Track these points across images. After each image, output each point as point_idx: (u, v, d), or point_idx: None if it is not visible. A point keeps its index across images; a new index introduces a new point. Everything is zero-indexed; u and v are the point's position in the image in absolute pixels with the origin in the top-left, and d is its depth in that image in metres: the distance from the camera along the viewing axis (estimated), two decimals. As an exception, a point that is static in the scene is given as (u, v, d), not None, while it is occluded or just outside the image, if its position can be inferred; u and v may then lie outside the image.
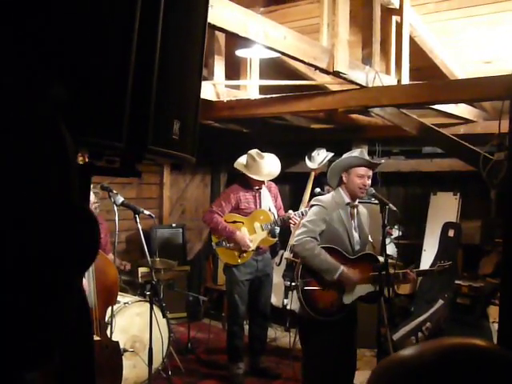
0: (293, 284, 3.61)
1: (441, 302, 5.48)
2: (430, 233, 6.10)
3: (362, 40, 4.11)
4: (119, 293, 4.19)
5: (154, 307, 3.86)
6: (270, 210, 4.95)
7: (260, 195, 4.92)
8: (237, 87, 5.02)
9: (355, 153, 3.68)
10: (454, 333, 4.99)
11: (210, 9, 1.28)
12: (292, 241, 4.65)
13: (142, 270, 5.86)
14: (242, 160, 4.87)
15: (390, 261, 3.65)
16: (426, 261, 5.96)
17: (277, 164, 4.91)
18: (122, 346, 3.95)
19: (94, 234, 0.76)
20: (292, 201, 6.63)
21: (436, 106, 4.61)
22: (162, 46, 0.99)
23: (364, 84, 3.92)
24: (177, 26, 1.07)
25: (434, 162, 6.15)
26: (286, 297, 5.21)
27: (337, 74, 3.58)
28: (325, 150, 5.86)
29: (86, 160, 1.05)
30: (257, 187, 4.88)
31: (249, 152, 4.81)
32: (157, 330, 3.90)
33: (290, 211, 4.94)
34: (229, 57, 4.62)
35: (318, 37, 3.51)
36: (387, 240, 4.56)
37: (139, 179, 6.47)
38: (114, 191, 3.95)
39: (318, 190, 5.45)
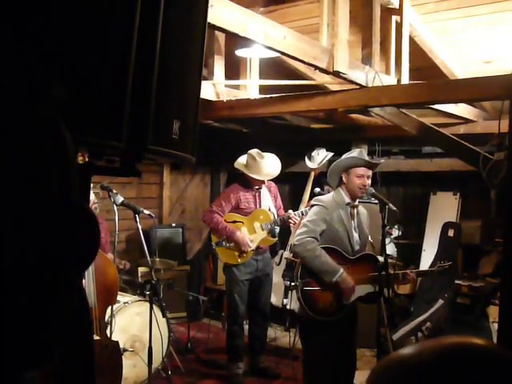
0: (292, 284, 3.61)
1: (441, 301, 5.49)
2: (429, 233, 6.10)
3: (361, 40, 4.11)
4: (119, 292, 4.19)
5: (154, 307, 3.86)
6: (269, 209, 4.95)
7: (260, 195, 4.91)
8: (237, 87, 5.02)
9: (354, 153, 3.68)
10: (454, 333, 4.98)
11: (209, 9, 1.28)
12: (292, 240, 4.65)
13: (141, 269, 5.86)
14: (242, 160, 4.87)
15: (389, 261, 3.65)
16: (426, 261, 5.96)
17: (277, 164, 4.91)
18: (121, 346, 3.94)
19: (94, 234, 0.76)
20: (292, 201, 6.63)
21: (436, 106, 4.61)
22: (161, 45, 1.00)
23: (364, 84, 3.92)
24: (177, 26, 1.07)
25: (434, 161, 6.15)
26: (285, 296, 5.21)
27: (336, 74, 3.58)
28: (324, 150, 5.85)
29: (86, 160, 1.05)
30: (257, 187, 4.88)
31: (249, 152, 4.80)
32: (156, 330, 3.90)
33: (290, 211, 4.94)
34: (229, 56, 4.62)
35: (318, 37, 3.51)
36: (387, 240, 4.56)
37: (139, 179, 6.47)
38: (114, 191, 3.95)
39: (317, 189, 5.45)
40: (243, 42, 3.53)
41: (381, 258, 3.61)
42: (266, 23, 3.01)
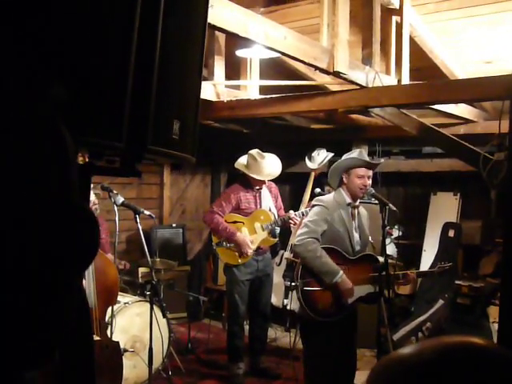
0: (293, 284, 3.61)
1: (441, 302, 5.49)
2: (430, 233, 6.10)
3: (362, 40, 4.11)
4: (119, 293, 4.19)
5: (154, 307, 3.86)
6: (270, 210, 4.95)
7: (260, 195, 4.91)
8: (237, 87, 5.02)
9: (354, 154, 3.68)
10: (455, 333, 4.98)
11: (210, 9, 1.28)
12: (292, 241, 4.66)
13: (142, 270, 5.86)
14: (243, 160, 4.87)
15: (390, 261, 3.65)
16: (426, 261, 5.96)
17: (278, 164, 4.91)
18: (122, 346, 3.94)
19: (94, 234, 0.76)
20: (292, 201, 6.64)
21: (436, 106, 4.60)
22: (161, 45, 1.00)
23: (364, 84, 3.92)
24: (177, 26, 1.07)
25: (434, 162, 6.15)
26: (286, 297, 5.21)
27: (337, 74, 3.58)
28: (325, 151, 5.85)
29: (86, 160, 1.05)
30: (257, 187, 4.88)
31: (249, 152, 4.80)
32: (157, 330, 3.90)
33: (291, 211, 4.94)
34: (229, 57, 4.62)
35: (318, 37, 3.51)
36: (387, 240, 4.56)
37: (139, 179, 6.48)
38: (115, 191, 3.95)
39: (318, 190, 5.45)
40: (243, 42, 3.53)
41: (381, 259, 3.61)
42: (267, 23, 3.01)
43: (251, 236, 4.79)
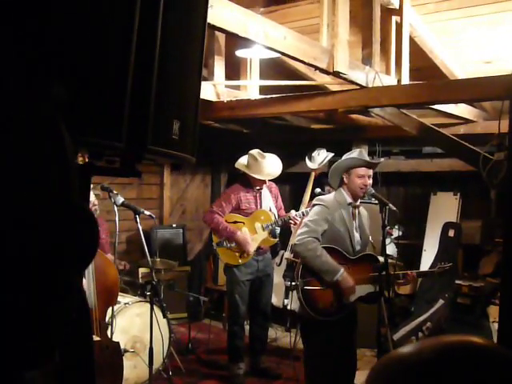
0: (293, 283, 3.61)
1: (441, 301, 5.49)
2: (430, 233, 6.10)
3: (361, 40, 4.11)
4: (119, 293, 4.19)
5: (155, 307, 3.86)
6: (270, 210, 4.95)
7: (261, 195, 4.91)
8: (237, 87, 5.02)
9: (354, 153, 3.69)
10: (455, 332, 4.98)
11: (209, 9, 1.28)
12: (293, 241, 4.66)
13: (142, 270, 5.86)
14: (243, 160, 4.87)
15: (390, 261, 3.65)
16: (427, 261, 5.96)
17: (278, 164, 4.91)
18: (122, 347, 3.94)
19: (93, 233, 0.76)
20: (292, 201, 6.64)
21: (436, 106, 4.61)
22: (161, 46, 1.00)
23: (364, 84, 3.92)
24: (176, 26, 1.07)
25: (434, 162, 6.15)
26: (286, 297, 5.21)
27: (337, 75, 3.58)
28: (325, 151, 5.85)
29: (86, 160, 1.05)
30: (258, 187, 4.88)
31: (250, 152, 4.80)
32: (157, 331, 3.90)
33: (293, 211, 4.94)
34: (229, 57, 4.62)
35: (318, 37, 3.51)
36: (387, 240, 4.56)
37: (139, 179, 6.48)
38: (115, 192, 3.95)
39: (318, 190, 5.44)
40: (243, 42, 3.53)
41: (381, 259, 3.61)
42: (266, 23, 3.01)
43: (251, 236, 4.80)
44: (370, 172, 3.64)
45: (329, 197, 3.74)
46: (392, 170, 6.32)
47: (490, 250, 5.51)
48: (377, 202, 3.69)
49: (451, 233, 5.80)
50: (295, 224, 4.83)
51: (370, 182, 3.64)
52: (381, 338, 3.70)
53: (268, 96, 4.63)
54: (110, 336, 3.89)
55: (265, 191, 4.95)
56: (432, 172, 6.17)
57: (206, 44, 1.27)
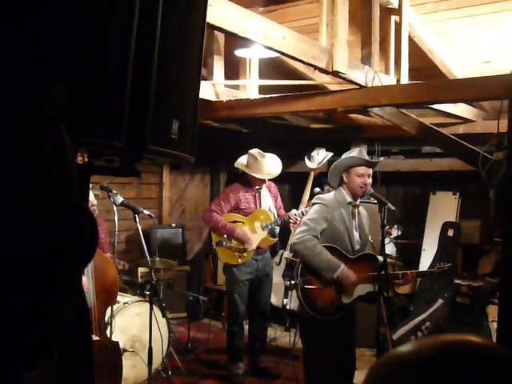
0: (292, 282, 3.61)
1: (440, 301, 5.49)
2: (429, 232, 6.10)
3: (361, 40, 4.11)
4: (119, 293, 4.19)
5: (154, 307, 3.86)
6: (269, 209, 4.95)
7: (260, 195, 4.92)
8: (236, 87, 5.02)
9: (354, 152, 3.69)
10: (454, 332, 4.98)
11: (208, 8, 1.28)
12: (292, 240, 4.66)
13: (141, 269, 5.86)
14: (243, 160, 4.88)
15: (389, 260, 3.66)
16: (426, 260, 5.96)
17: (278, 163, 4.91)
18: (121, 346, 3.94)
19: (93, 233, 0.76)
20: (292, 200, 6.63)
21: (435, 106, 4.61)
22: (160, 45, 1.00)
23: (363, 84, 3.92)
24: (176, 26, 1.08)
25: (434, 161, 6.16)
26: (285, 296, 5.22)
27: (336, 74, 3.58)
28: (324, 150, 5.86)
29: (86, 159, 1.05)
30: (257, 187, 4.88)
31: (250, 151, 4.81)
32: (156, 330, 3.90)
33: (293, 210, 4.94)
34: (228, 56, 4.62)
35: (317, 37, 3.51)
36: (386, 240, 4.57)
37: (139, 179, 6.48)
38: (114, 191, 3.95)
39: (317, 189, 5.45)
40: (243, 42, 3.53)
41: (380, 258, 3.62)
42: (266, 23, 3.01)
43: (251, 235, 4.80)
44: (370, 171, 3.65)
45: (329, 196, 3.74)
46: (391, 170, 6.32)
47: (489, 250, 5.51)
48: (376, 201, 3.70)
49: (450, 232, 5.80)
50: (295, 223, 4.83)
51: (370, 181, 3.65)
52: (380, 337, 3.70)
53: (267, 96, 4.63)
54: (109, 335, 3.89)
55: (264, 191, 4.95)
56: (431, 172, 6.17)
57: (206, 44, 1.27)
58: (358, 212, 3.73)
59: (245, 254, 4.79)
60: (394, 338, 5.19)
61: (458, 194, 5.99)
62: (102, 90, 0.92)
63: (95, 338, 3.58)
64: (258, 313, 5.00)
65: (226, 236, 4.77)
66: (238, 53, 4.34)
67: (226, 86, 4.79)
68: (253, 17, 2.93)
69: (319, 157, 5.82)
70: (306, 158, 5.99)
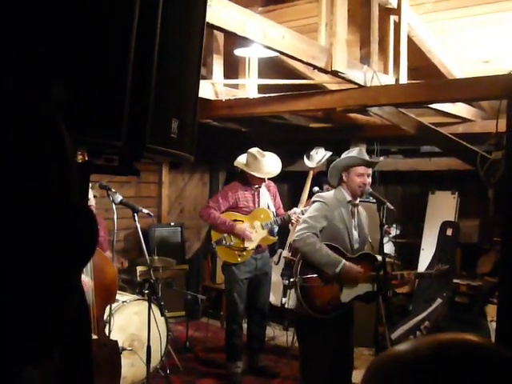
0: (291, 280, 3.61)
1: (439, 300, 5.49)
2: (428, 232, 6.11)
3: (360, 39, 4.11)
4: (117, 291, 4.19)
5: (153, 306, 3.87)
6: (268, 208, 4.96)
7: (259, 194, 4.92)
8: (235, 86, 5.02)
9: (353, 152, 3.69)
10: (452, 331, 4.99)
11: (208, 8, 1.28)
12: (291, 239, 4.66)
13: (140, 268, 5.86)
14: (242, 159, 4.88)
15: (387, 260, 3.66)
16: (424, 260, 5.97)
17: (277, 162, 4.91)
18: (120, 345, 3.94)
19: (93, 232, 0.76)
20: (291, 199, 6.64)
21: (434, 106, 4.61)
22: (160, 45, 1.00)
23: (362, 83, 3.92)
24: (175, 26, 1.08)
25: (432, 160, 6.16)
26: (284, 295, 5.20)
27: (335, 74, 3.59)
28: (323, 149, 5.84)
29: (85, 158, 1.05)
30: (256, 186, 4.89)
31: (249, 150, 4.81)
32: (155, 329, 3.91)
33: (295, 208, 4.94)
34: (227, 56, 4.62)
35: (317, 36, 3.51)
36: (385, 239, 4.57)
37: (138, 178, 6.48)
38: (113, 190, 3.95)
39: (316, 188, 5.44)
40: (242, 41, 3.53)
41: (379, 257, 3.62)
42: (265, 23, 3.01)
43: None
44: (369, 171, 3.65)
45: (329, 194, 3.74)
46: (390, 169, 6.33)
47: (488, 249, 5.52)
48: (375, 200, 3.70)
49: (449, 232, 5.80)
50: (297, 221, 4.83)
51: (369, 180, 3.65)
52: (379, 336, 3.71)
53: (266, 95, 4.63)
54: (107, 334, 3.89)
55: (263, 189, 4.95)
56: (430, 171, 6.18)
57: (205, 43, 1.27)
58: (358, 211, 3.74)
59: (244, 253, 4.79)
60: (393, 337, 5.19)
61: (456, 193, 5.99)
62: (101, 90, 0.92)
63: (94, 336, 3.58)
64: (256, 312, 5.00)
65: (225, 234, 4.78)
66: (238, 52, 4.34)
67: (225, 85, 4.79)
68: (252, 16, 2.93)
69: (318, 156, 5.81)
70: (305, 157, 5.98)
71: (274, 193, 5.09)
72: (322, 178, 5.48)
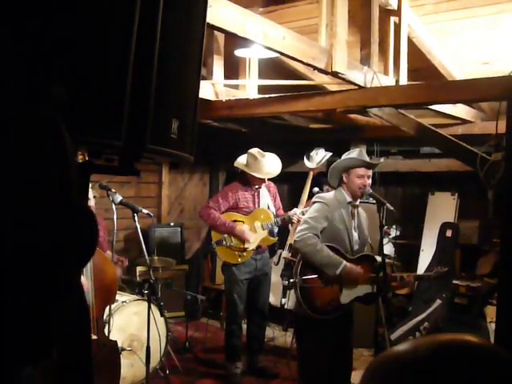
0: (291, 280, 3.61)
1: (438, 301, 5.49)
2: (427, 233, 6.11)
3: (360, 40, 4.11)
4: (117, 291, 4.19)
5: (152, 306, 3.87)
6: (268, 208, 4.96)
7: (259, 194, 4.92)
8: (236, 87, 5.02)
9: (354, 153, 3.69)
10: (452, 332, 4.99)
11: (208, 9, 1.28)
12: (290, 240, 4.66)
13: (140, 268, 5.86)
14: (242, 159, 4.88)
15: (387, 260, 3.66)
16: (424, 261, 5.97)
17: (278, 163, 4.92)
18: (119, 345, 3.94)
19: (93, 232, 0.76)
20: (291, 200, 6.64)
21: (434, 107, 4.61)
22: (161, 45, 1.00)
23: (362, 84, 3.93)
24: (176, 26, 1.08)
25: (432, 162, 6.16)
26: (284, 296, 5.20)
27: (335, 75, 3.59)
28: (323, 150, 5.84)
29: (86, 158, 1.05)
30: (256, 186, 4.89)
31: (249, 151, 4.81)
32: (155, 329, 3.91)
33: (295, 209, 4.93)
34: (228, 56, 4.62)
35: (317, 37, 3.51)
36: (385, 240, 4.57)
37: (138, 178, 6.48)
38: (113, 190, 3.95)
39: (316, 189, 5.44)
40: (242, 42, 3.53)
41: (379, 258, 3.62)
42: (265, 23, 3.01)
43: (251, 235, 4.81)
44: (370, 172, 3.65)
45: (329, 195, 3.74)
46: (390, 170, 6.32)
47: (487, 250, 5.52)
48: (374, 201, 3.70)
49: (449, 233, 5.81)
50: (298, 222, 4.82)
51: (369, 182, 3.65)
52: (378, 337, 3.71)
53: (267, 95, 4.63)
54: (107, 334, 3.89)
55: (263, 190, 4.96)
56: (430, 172, 6.18)
57: (205, 43, 1.27)
58: (358, 212, 3.74)
59: (245, 254, 4.79)
60: (393, 338, 5.20)
61: (456, 194, 6.00)
62: (101, 90, 0.92)
63: (93, 336, 3.58)
64: (256, 312, 5.00)
65: (226, 235, 4.78)
66: (238, 53, 4.34)
67: (225, 85, 4.79)
68: (252, 17, 2.93)
69: (318, 157, 5.81)
70: (305, 157, 5.98)
71: (274, 193, 5.09)
72: (322, 179, 5.48)
